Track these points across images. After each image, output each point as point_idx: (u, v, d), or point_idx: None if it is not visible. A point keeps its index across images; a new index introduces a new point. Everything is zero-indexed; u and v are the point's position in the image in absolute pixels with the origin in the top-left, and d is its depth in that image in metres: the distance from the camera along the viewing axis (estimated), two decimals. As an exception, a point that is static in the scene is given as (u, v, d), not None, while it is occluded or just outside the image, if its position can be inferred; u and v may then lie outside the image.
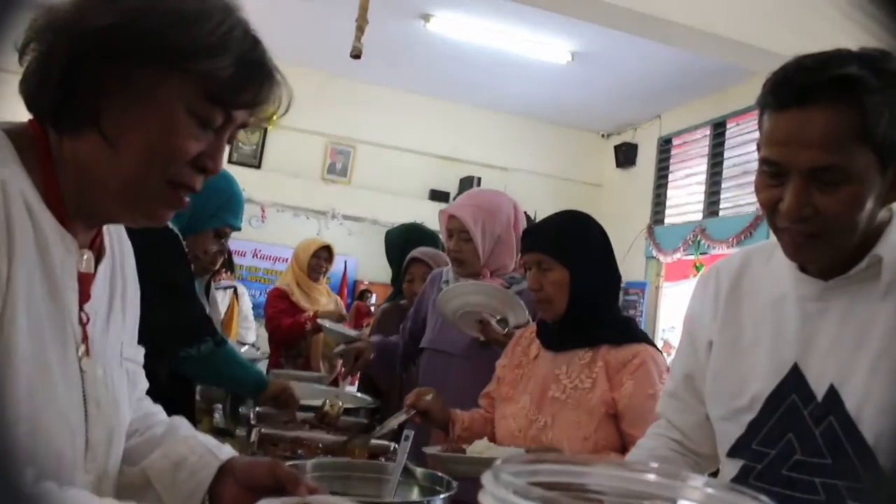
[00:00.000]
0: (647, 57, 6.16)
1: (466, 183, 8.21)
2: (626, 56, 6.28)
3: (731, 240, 6.24)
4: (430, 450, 1.73)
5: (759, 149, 1.18)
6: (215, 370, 1.88)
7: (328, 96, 7.73)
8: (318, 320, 4.04)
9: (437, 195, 8.27)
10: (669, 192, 7.69)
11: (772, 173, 1.13)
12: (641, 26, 4.65)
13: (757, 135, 1.17)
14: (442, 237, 2.48)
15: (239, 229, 2.23)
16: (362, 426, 2.38)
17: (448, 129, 8.25)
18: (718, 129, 6.90)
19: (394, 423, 1.85)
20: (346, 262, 12.85)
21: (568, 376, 1.81)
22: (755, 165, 1.20)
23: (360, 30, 3.69)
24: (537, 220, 2.10)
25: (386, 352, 2.67)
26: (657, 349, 1.83)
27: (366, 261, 8.05)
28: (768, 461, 1.20)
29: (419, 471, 1.47)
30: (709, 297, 1.37)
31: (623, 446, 1.75)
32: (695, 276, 6.99)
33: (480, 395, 2.07)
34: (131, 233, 1.77)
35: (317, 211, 7.88)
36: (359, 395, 2.83)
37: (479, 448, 1.71)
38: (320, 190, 7.93)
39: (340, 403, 2.15)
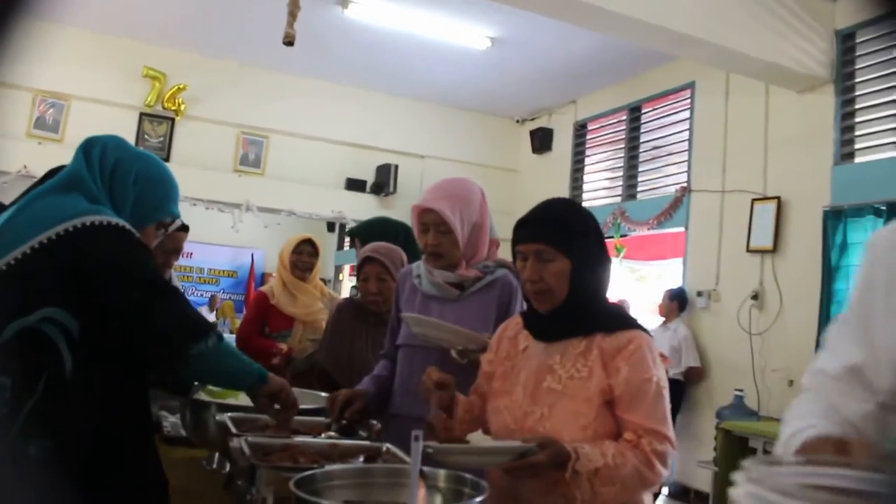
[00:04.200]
0: (565, 42, 6.24)
1: (383, 171, 8.14)
2: (544, 41, 6.34)
3: (651, 221, 6.40)
4: (433, 445, 1.68)
5: None
6: (223, 364, 1.72)
7: (239, 86, 7.50)
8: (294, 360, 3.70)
9: (354, 184, 8.18)
10: (586, 177, 7.83)
11: None
12: (561, 10, 4.71)
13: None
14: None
15: (178, 216, 2.05)
16: (325, 425, 2.30)
17: (364, 118, 8.16)
18: (634, 114, 7.03)
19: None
20: (252, 255, 12.60)
21: (563, 366, 1.79)
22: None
23: (293, 15, 3.58)
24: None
25: (384, 393, 2.43)
26: (650, 335, 1.83)
27: (276, 252, 8.15)
28: None
29: (440, 472, 1.42)
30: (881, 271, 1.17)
31: (619, 433, 1.74)
32: (615, 256, 7.16)
33: (469, 392, 2.02)
34: (98, 235, 1.61)
35: (231, 203, 7.66)
36: (316, 393, 2.71)
37: (477, 440, 1.68)
38: (233, 182, 7.71)
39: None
